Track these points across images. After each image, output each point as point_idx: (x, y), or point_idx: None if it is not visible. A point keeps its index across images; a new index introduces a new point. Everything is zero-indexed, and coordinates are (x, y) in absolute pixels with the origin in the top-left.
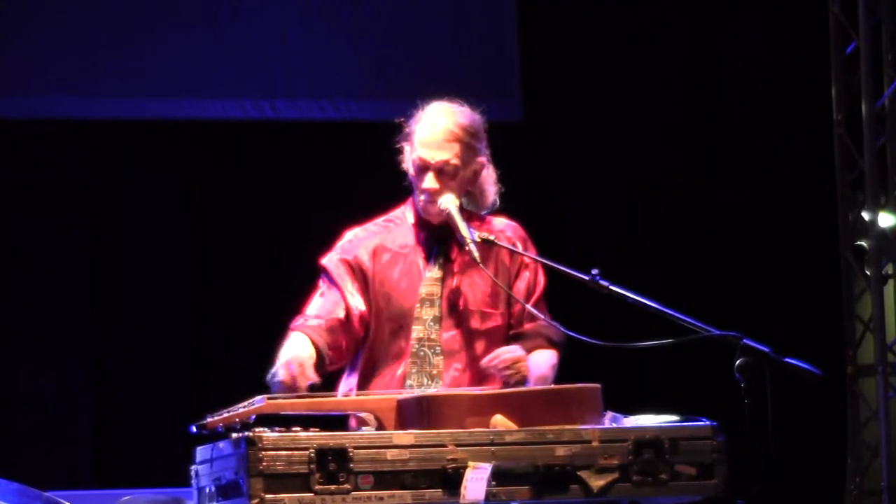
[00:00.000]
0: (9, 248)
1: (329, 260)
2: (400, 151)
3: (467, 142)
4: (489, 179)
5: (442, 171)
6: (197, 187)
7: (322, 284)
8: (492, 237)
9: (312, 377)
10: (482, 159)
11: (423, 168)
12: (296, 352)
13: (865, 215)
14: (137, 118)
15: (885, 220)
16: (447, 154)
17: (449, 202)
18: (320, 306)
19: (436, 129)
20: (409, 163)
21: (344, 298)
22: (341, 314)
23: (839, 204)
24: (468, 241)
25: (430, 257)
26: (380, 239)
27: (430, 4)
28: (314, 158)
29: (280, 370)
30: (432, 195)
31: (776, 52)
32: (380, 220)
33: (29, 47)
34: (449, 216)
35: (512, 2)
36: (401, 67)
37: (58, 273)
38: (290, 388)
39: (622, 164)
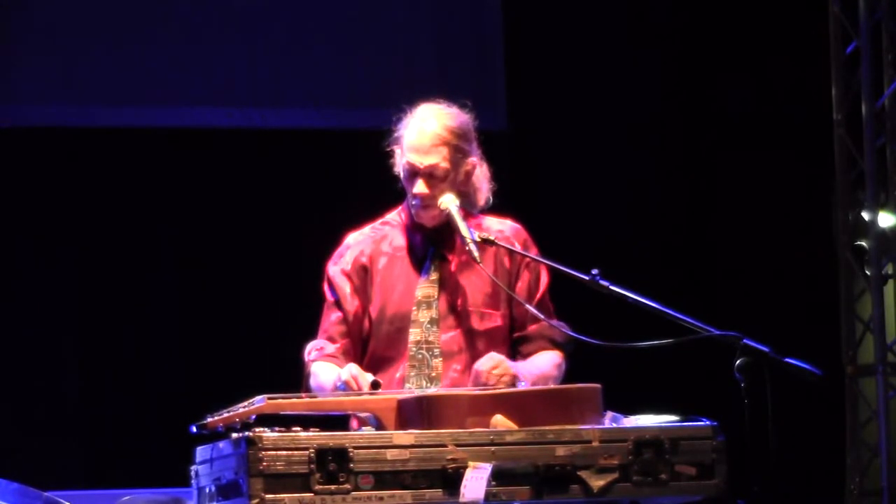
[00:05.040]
0: (6, 247)
1: (332, 270)
2: (391, 155)
3: (456, 144)
4: (482, 178)
5: (431, 176)
6: (186, 194)
7: (328, 296)
8: (491, 237)
9: (371, 377)
10: (473, 160)
11: (412, 173)
12: (339, 368)
13: (865, 215)
14: (125, 126)
15: (885, 220)
16: (435, 158)
17: (449, 202)
18: (330, 329)
19: (424, 134)
20: (399, 167)
21: (347, 314)
22: (348, 333)
23: (839, 204)
24: (468, 240)
25: (425, 259)
26: (376, 243)
27: (416, 13)
28: (302, 166)
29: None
30: (423, 200)
31: (775, 52)
32: (376, 223)
33: (15, 55)
34: (449, 216)
35: (497, 10)
36: (387, 75)
37: (54, 273)
38: (353, 387)
39: (613, 168)
